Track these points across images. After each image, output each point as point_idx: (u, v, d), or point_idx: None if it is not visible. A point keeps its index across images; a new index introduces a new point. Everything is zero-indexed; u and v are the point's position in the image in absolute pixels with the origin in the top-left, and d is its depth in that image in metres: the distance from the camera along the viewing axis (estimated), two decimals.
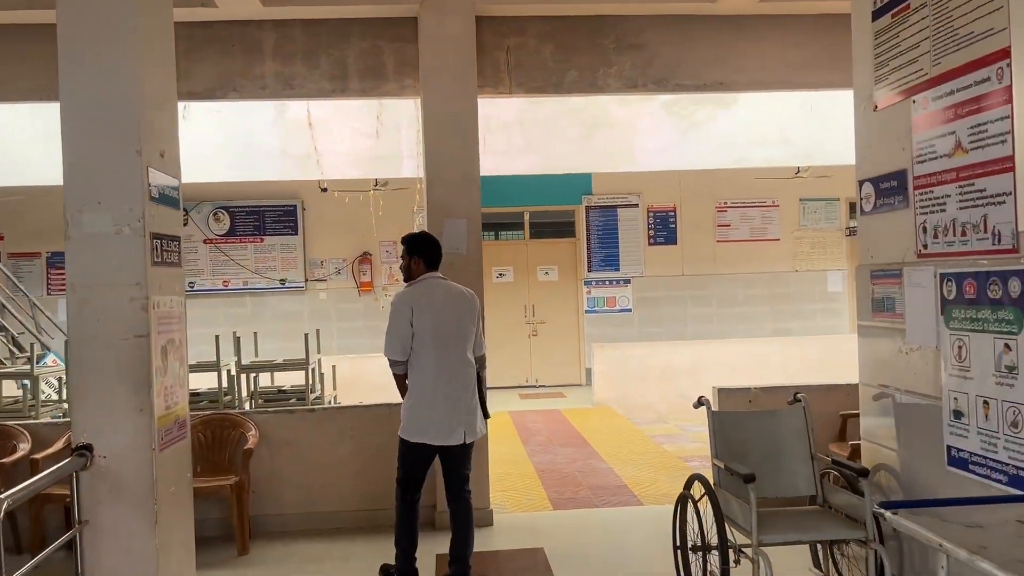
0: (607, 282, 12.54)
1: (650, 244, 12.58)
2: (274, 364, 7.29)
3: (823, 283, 12.71)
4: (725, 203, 12.63)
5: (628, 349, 10.61)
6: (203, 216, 11.93)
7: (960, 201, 3.07)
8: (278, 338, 11.04)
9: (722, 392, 5.84)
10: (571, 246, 12.63)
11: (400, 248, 4.54)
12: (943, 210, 3.18)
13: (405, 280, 4.43)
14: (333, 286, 12.24)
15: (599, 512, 5.85)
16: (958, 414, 3.12)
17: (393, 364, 4.28)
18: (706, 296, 12.62)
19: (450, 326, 4.24)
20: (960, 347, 3.08)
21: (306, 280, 12.15)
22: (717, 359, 10.46)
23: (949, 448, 3.19)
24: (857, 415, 4.15)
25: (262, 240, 12.05)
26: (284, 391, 7.11)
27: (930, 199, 3.27)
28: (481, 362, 4.42)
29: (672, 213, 12.62)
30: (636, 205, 12.57)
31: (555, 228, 12.77)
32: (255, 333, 8.38)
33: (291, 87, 6.01)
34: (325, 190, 11.96)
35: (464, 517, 4.33)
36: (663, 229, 12.60)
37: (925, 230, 3.32)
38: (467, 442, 4.28)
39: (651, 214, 12.59)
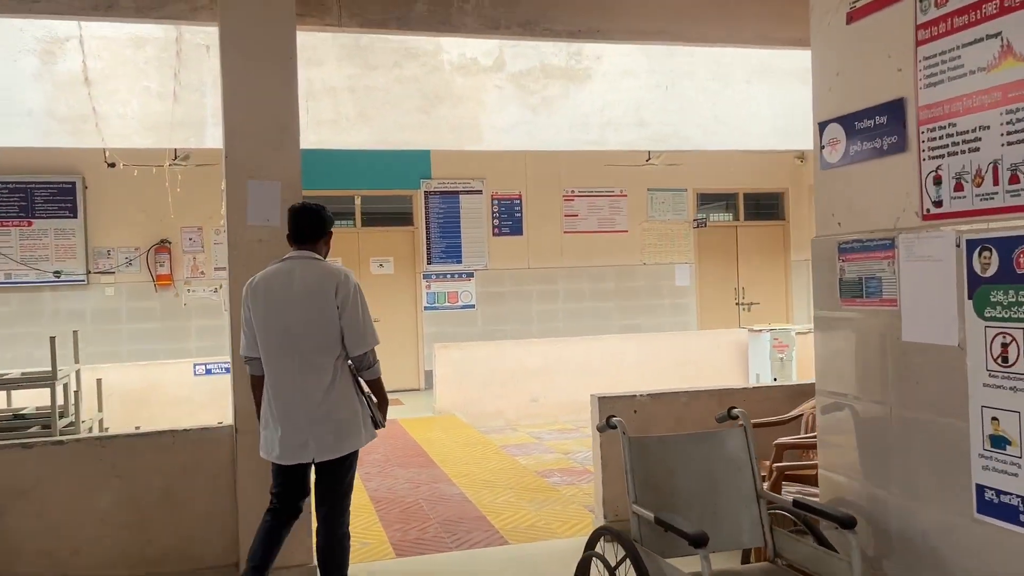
0: (448, 276, 11.37)
1: (495, 235, 11.52)
2: (5, 379, 5.45)
3: (671, 277, 12.17)
4: (572, 191, 11.79)
5: (473, 350, 9.48)
6: None
7: (1008, 134, 2.13)
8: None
9: (603, 401, 4.81)
10: (408, 236, 11.35)
11: None
12: (975, 149, 2.24)
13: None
14: (123, 279, 10.28)
15: (456, 557, 4.64)
16: (1000, 441, 2.18)
17: (247, 362, 3.61)
18: (553, 291, 11.73)
19: (290, 322, 3.45)
20: (1007, 345, 2.14)
21: (88, 272, 10.11)
22: (568, 359, 9.55)
23: (981, 489, 2.26)
24: (803, 439, 3.19)
25: (30, 224, 9.89)
26: (23, 416, 5.34)
27: (950, 136, 2.32)
28: (361, 362, 3.54)
29: (518, 201, 11.62)
30: (480, 192, 11.48)
31: (390, 216, 11.44)
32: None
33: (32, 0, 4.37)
34: (113, 165, 9.99)
35: (325, 557, 3.52)
36: (508, 218, 11.59)
37: (938, 181, 2.37)
38: (320, 460, 3.50)
39: (496, 202, 11.54)
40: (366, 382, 3.59)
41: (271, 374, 3.49)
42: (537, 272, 11.64)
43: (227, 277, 4.26)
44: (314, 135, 8.56)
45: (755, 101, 9.74)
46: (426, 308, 11.29)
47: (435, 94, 8.91)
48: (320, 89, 8.56)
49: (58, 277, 9.95)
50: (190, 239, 10.48)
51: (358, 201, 11.21)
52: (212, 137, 8.18)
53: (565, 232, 11.75)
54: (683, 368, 9.80)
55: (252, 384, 3.64)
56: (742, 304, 12.50)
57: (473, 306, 11.45)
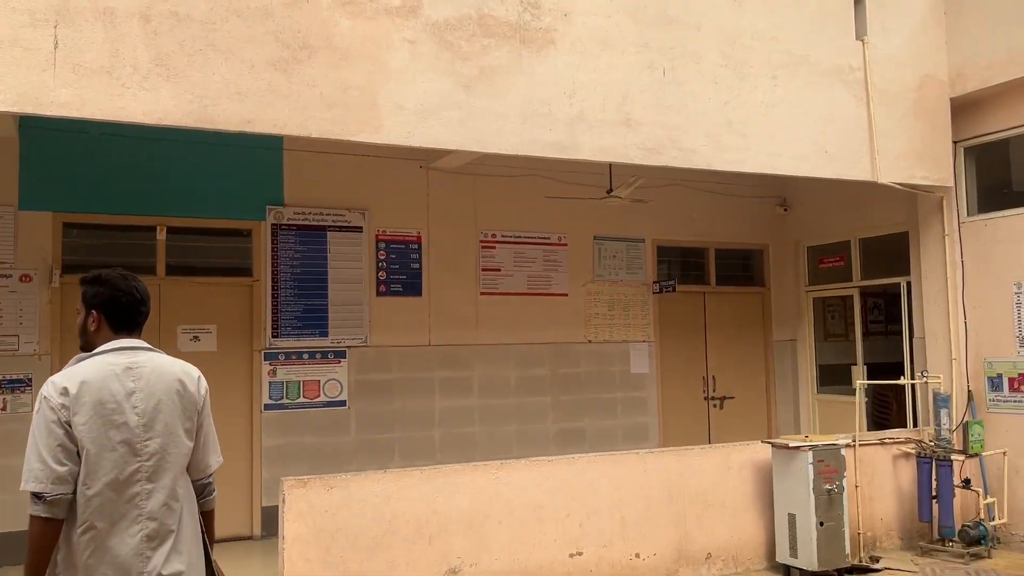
0: (306, 355, 7.35)
1: (380, 294, 7.67)
2: None
3: (624, 361, 8.70)
4: (493, 235, 8.18)
5: (350, 487, 5.46)
6: None
7: None
8: None
9: None
10: (243, 292, 7.28)
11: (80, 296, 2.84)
12: None
13: (82, 348, 2.82)
14: None
15: None
16: None
17: (37, 504, 2.59)
18: (465, 380, 7.94)
19: (154, 436, 2.74)
20: None
21: None
22: (510, 497, 5.77)
23: None
24: None
25: None
26: None
27: None
28: (205, 489, 2.93)
29: (415, 245, 7.85)
30: (359, 228, 7.62)
31: (215, 259, 7.34)
32: None
33: None
34: None
35: None
36: (401, 271, 7.78)
37: None
38: None
39: (383, 244, 7.72)
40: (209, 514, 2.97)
41: (120, 513, 2.67)
42: (442, 352, 7.84)
43: None
44: (68, 90, 4.54)
45: (784, 104, 6.59)
46: (267, 407, 7.19)
47: (302, 41, 5.13)
48: (86, 8, 4.58)
49: None
50: None
51: (161, 235, 7.04)
52: None
53: (483, 293, 8.07)
54: (680, 507, 6.26)
55: (39, 545, 2.60)
56: (712, 399, 9.19)
57: (344, 403, 7.46)
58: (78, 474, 2.64)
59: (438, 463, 7.57)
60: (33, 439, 2.65)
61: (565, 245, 8.44)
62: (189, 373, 2.89)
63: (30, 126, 6.48)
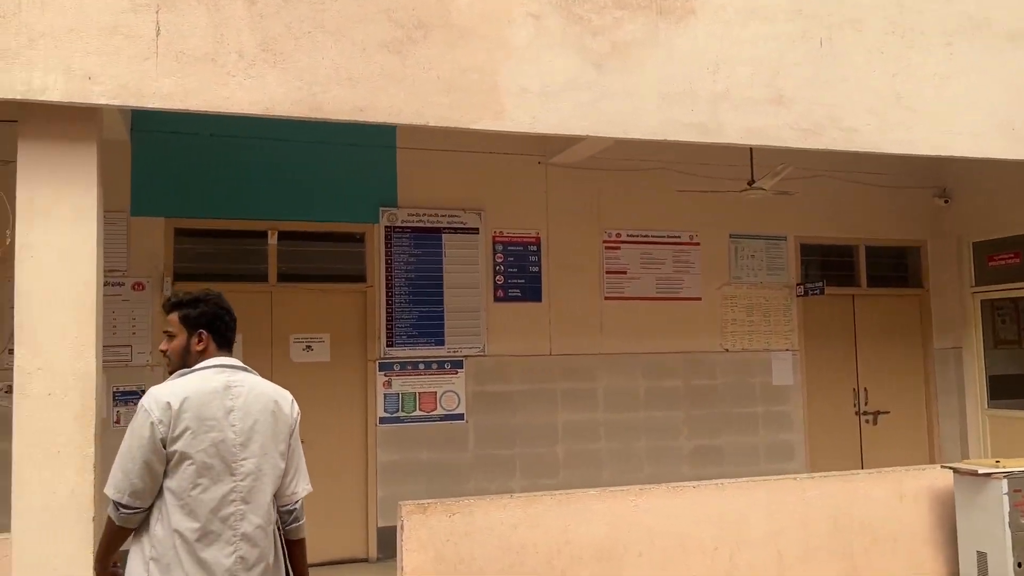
0: (422, 366, 6.90)
1: (498, 299, 7.15)
2: None
3: (764, 372, 7.88)
4: (618, 235, 7.53)
5: (473, 514, 4.93)
6: None
7: None
8: None
9: None
10: (357, 300, 6.90)
11: (172, 319, 2.90)
12: None
13: (171, 371, 2.88)
14: None
15: None
16: None
17: (117, 511, 2.68)
18: (589, 392, 7.32)
19: (249, 457, 2.74)
20: None
21: None
22: (650, 526, 5.12)
23: None
24: None
25: None
26: None
27: None
28: (292, 515, 2.90)
29: (534, 247, 7.30)
30: (475, 230, 7.13)
31: (327, 264, 6.98)
32: None
33: None
34: None
35: None
36: (519, 274, 7.24)
37: None
38: None
39: (500, 247, 7.20)
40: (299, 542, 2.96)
41: (213, 530, 2.68)
42: (564, 361, 7.25)
43: None
44: (171, 80, 4.19)
45: (962, 74, 5.68)
46: (382, 420, 6.77)
47: (416, 19, 4.64)
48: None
49: None
50: None
51: (273, 240, 6.74)
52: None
53: (607, 298, 7.44)
54: (845, 540, 5.45)
55: (109, 541, 2.75)
56: (865, 414, 8.23)
57: (462, 416, 6.96)
58: (159, 488, 2.68)
59: (562, 482, 6.99)
60: (123, 447, 2.70)
61: (697, 244, 7.70)
62: (284, 395, 2.93)
63: (141, 129, 6.28)
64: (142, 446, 2.66)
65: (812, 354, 8.03)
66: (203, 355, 2.87)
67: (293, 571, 2.94)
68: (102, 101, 4.14)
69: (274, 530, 2.84)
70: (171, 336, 2.92)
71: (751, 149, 6.65)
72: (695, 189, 7.25)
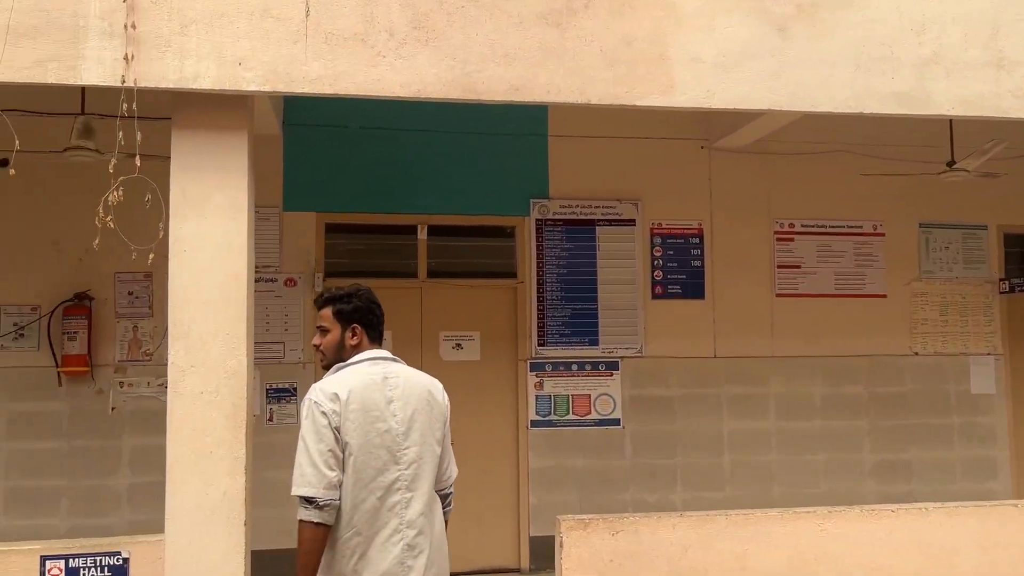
0: (575, 367, 6.49)
1: (656, 296, 6.64)
2: None
3: (961, 379, 6.96)
4: (791, 225, 6.85)
5: (645, 531, 4.45)
6: None
7: None
8: None
9: None
10: (507, 296, 6.58)
11: (325, 314, 2.94)
12: None
13: (325, 365, 2.93)
14: (6, 362, 5.81)
15: None
16: None
17: (308, 509, 2.64)
18: (759, 398, 6.68)
19: (411, 445, 2.80)
20: None
21: None
22: (838, 555, 4.48)
23: None
24: None
25: None
26: None
27: None
28: (447, 499, 2.98)
29: (696, 238, 6.74)
30: (631, 222, 6.65)
31: (477, 259, 6.70)
32: None
33: None
34: (4, 163, 5.64)
35: None
36: (680, 269, 6.70)
37: None
38: None
39: (658, 240, 6.69)
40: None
41: (384, 517, 2.74)
42: (730, 364, 6.65)
43: None
44: (320, 63, 3.97)
45: None
46: (534, 423, 6.41)
47: None
48: None
49: None
50: (129, 293, 5.98)
51: (422, 234, 6.51)
52: (103, 54, 3.73)
53: (779, 295, 6.77)
54: None
55: (309, 551, 2.65)
56: None
57: (617, 422, 6.50)
58: (345, 481, 2.70)
59: (728, 497, 6.41)
60: (303, 444, 2.70)
61: (882, 235, 6.90)
62: (436, 384, 3.00)
63: (293, 123, 6.20)
64: (323, 436, 2.68)
65: (1019, 359, 7.03)
66: (357, 349, 2.91)
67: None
68: (252, 88, 3.97)
69: (439, 516, 2.90)
70: (324, 331, 2.95)
71: (951, 124, 5.84)
72: (883, 173, 6.46)
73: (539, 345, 6.43)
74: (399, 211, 6.39)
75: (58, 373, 5.78)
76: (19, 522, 5.66)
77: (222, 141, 4.11)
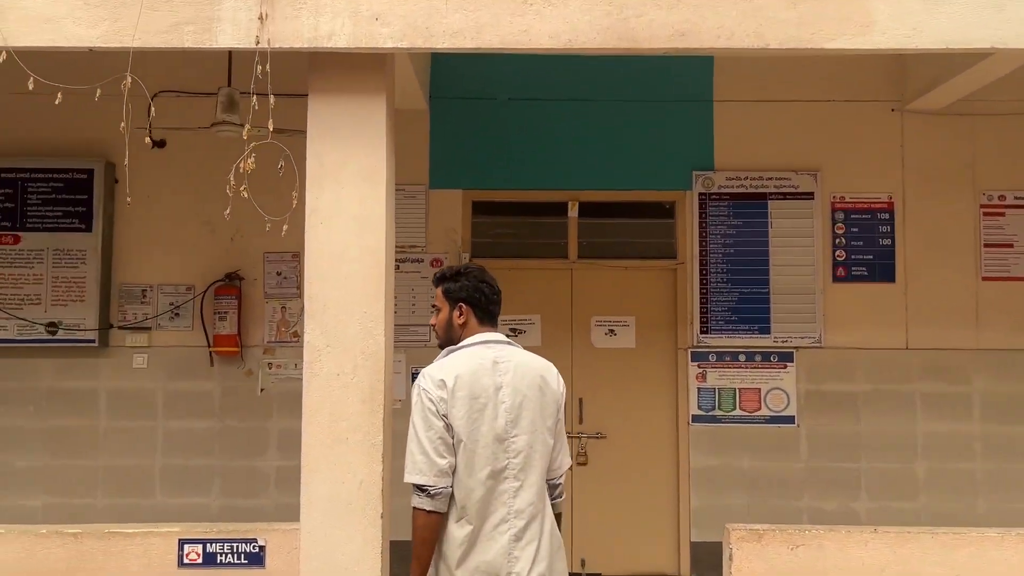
0: (742, 356, 5.86)
1: (837, 279, 5.88)
2: None
3: None
4: (1001, 197, 5.89)
5: (831, 547, 3.81)
6: None
7: None
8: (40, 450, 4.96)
9: None
10: (665, 277, 6.03)
11: (437, 292, 3.00)
12: None
13: (439, 345, 2.98)
14: (165, 340, 5.88)
15: None
16: None
17: (421, 497, 2.69)
18: (960, 397, 5.79)
19: (520, 433, 2.76)
20: None
21: (105, 328, 5.81)
22: None
23: None
24: None
25: (16, 240, 5.81)
26: None
27: None
28: (556, 490, 2.91)
29: (885, 213, 5.92)
30: (808, 195, 5.93)
31: (633, 237, 6.17)
32: None
33: None
34: (162, 144, 5.73)
35: None
36: (865, 248, 5.90)
37: None
38: None
39: (840, 214, 5.93)
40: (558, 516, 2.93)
41: (493, 507, 2.71)
42: (926, 357, 5.79)
43: None
44: (461, 15, 3.62)
45: None
46: (696, 418, 5.83)
47: None
48: None
49: (53, 334, 5.72)
50: (277, 273, 5.91)
51: (573, 212, 6.07)
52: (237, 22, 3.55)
53: (985, 278, 5.84)
54: None
55: (424, 539, 2.69)
56: None
57: (792, 419, 5.81)
58: (455, 468, 2.70)
59: (922, 509, 5.62)
60: (414, 431, 2.73)
61: None
62: (550, 369, 2.91)
63: (439, 96, 5.92)
64: (432, 424, 2.68)
65: None
66: (464, 328, 2.88)
67: None
68: (390, 44, 3.66)
69: (548, 507, 2.83)
70: (437, 310, 2.97)
71: None
72: None
73: (702, 333, 5.84)
74: (548, 187, 5.99)
75: (210, 353, 5.78)
76: (174, 500, 5.71)
77: (360, 106, 3.83)
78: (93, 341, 5.71)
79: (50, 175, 5.75)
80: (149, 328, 5.84)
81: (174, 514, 5.65)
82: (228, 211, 3.53)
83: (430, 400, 2.69)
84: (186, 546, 3.76)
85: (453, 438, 2.69)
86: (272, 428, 5.81)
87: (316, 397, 3.73)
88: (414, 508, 2.71)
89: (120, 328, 5.82)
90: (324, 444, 3.70)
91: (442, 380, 2.71)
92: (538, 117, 5.96)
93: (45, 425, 5.73)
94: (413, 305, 5.88)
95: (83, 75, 3.60)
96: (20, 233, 5.75)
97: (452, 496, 2.69)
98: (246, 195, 3.53)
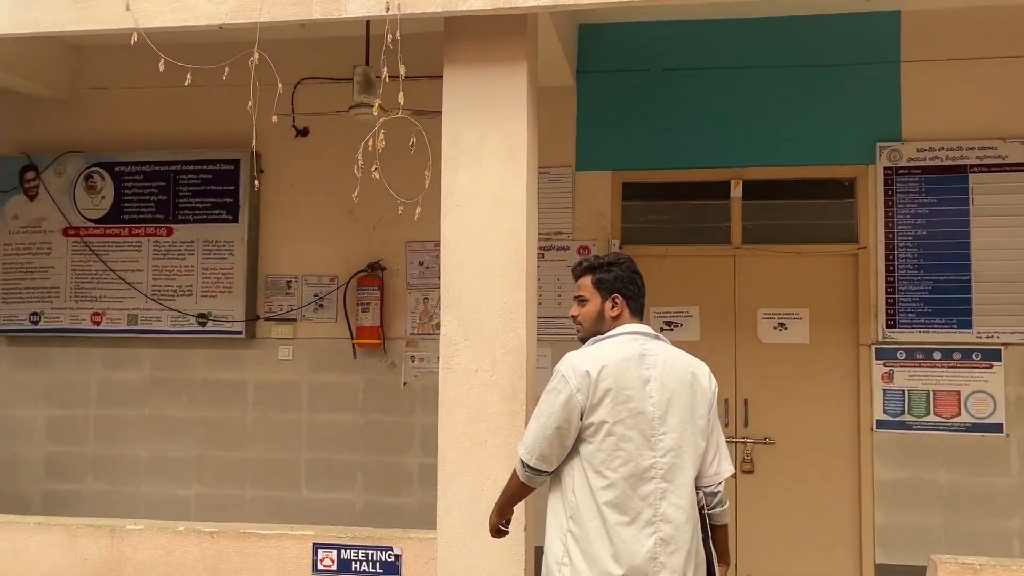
0: (937, 354, 5.08)
1: None
2: None
3: None
4: None
5: None
6: (68, 180, 5.96)
7: None
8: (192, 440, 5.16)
9: None
10: (843, 265, 5.32)
11: (584, 283, 2.84)
12: None
13: (582, 338, 2.83)
14: (309, 331, 5.79)
15: None
16: None
17: (523, 468, 2.70)
18: None
19: (668, 431, 2.61)
20: None
21: (252, 319, 5.79)
22: None
23: None
24: None
25: (169, 232, 5.88)
26: None
27: None
28: (716, 498, 2.73)
29: None
30: (1019, 166, 5.07)
31: (805, 220, 5.49)
32: None
33: None
34: (304, 132, 5.66)
35: None
36: None
37: None
38: None
39: None
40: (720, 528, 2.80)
41: (633, 509, 2.56)
42: None
43: None
44: None
45: None
46: (881, 424, 5.11)
47: None
48: None
49: (204, 325, 5.76)
50: (420, 263, 5.69)
51: (736, 192, 5.47)
52: None
53: None
54: None
55: (512, 493, 2.81)
56: None
57: (999, 427, 4.99)
58: (575, 455, 2.62)
59: None
60: (538, 410, 2.65)
61: None
62: (700, 366, 2.78)
63: (586, 71, 5.49)
64: (556, 413, 2.60)
65: None
66: (616, 321, 2.76)
67: (716, 557, 2.74)
68: (530, 2, 3.27)
69: (698, 513, 2.68)
70: (583, 301, 2.83)
71: None
72: None
73: (888, 327, 5.11)
74: (708, 166, 5.42)
75: (352, 345, 5.64)
76: (319, 495, 5.61)
77: (499, 77, 3.48)
78: (240, 332, 5.69)
79: (199, 167, 5.78)
80: (294, 320, 5.76)
81: (319, 509, 5.55)
82: (356, 193, 3.26)
83: (568, 391, 2.59)
84: (320, 551, 3.55)
85: (587, 430, 2.59)
86: (415, 424, 5.60)
87: (453, 395, 3.42)
88: (515, 469, 2.75)
89: (266, 319, 5.78)
90: (462, 447, 3.39)
91: (586, 372, 2.58)
92: (696, 88, 5.42)
93: (196, 415, 5.78)
94: (559, 296, 5.49)
95: (219, 66, 3.42)
96: (173, 225, 5.81)
97: (588, 489, 2.58)
98: (377, 176, 3.24)
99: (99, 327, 5.84)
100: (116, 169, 5.87)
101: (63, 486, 5.86)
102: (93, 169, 5.89)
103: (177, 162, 5.81)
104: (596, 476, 2.57)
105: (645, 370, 2.63)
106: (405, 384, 5.62)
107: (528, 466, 2.67)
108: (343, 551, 3.54)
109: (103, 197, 5.88)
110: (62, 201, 5.89)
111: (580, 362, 2.62)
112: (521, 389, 3.37)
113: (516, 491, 2.80)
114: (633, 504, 2.56)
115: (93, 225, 5.89)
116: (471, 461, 3.36)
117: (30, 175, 5.93)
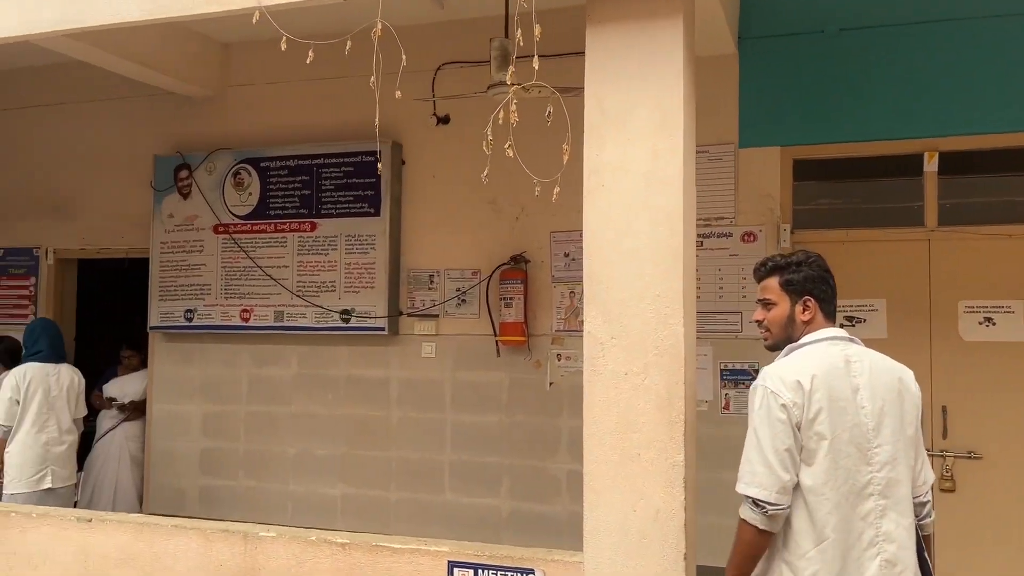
0: None
1: None
2: None
3: None
4: None
5: None
6: (217, 177, 6.00)
7: None
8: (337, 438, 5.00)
9: None
10: None
11: (770, 284, 2.65)
12: None
13: (771, 346, 2.66)
14: (451, 329, 5.53)
15: None
16: None
17: (755, 512, 2.38)
18: None
19: (883, 443, 2.42)
20: None
21: (395, 315, 5.59)
22: None
23: None
24: None
25: (313, 227, 5.78)
26: None
27: None
28: (925, 508, 2.56)
29: None
30: None
31: (1016, 198, 4.66)
32: None
33: None
34: (445, 120, 5.42)
35: None
36: None
37: None
38: None
39: None
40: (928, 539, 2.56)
41: (851, 527, 2.37)
42: None
43: None
44: None
45: None
46: None
47: None
48: None
49: (347, 321, 5.62)
50: (565, 254, 5.30)
51: (930, 165, 4.71)
52: None
53: None
54: None
55: (745, 554, 2.41)
56: None
57: None
58: (810, 483, 2.38)
59: None
60: (755, 439, 2.42)
61: None
62: (905, 370, 2.56)
63: (750, 36, 4.92)
64: (779, 432, 2.38)
65: None
66: (809, 325, 2.58)
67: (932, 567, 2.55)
68: None
69: (915, 528, 2.49)
70: (769, 304, 2.63)
71: None
72: None
73: None
74: (895, 137, 4.71)
75: (496, 342, 5.33)
76: (463, 499, 5.35)
77: (651, 35, 3.03)
78: (383, 329, 5.51)
79: (341, 159, 5.65)
80: (436, 315, 5.53)
81: (464, 514, 5.29)
82: (486, 173, 2.90)
83: (781, 406, 2.37)
84: (456, 570, 3.23)
85: (806, 449, 2.37)
86: (563, 426, 5.22)
87: (599, 401, 3.00)
88: (743, 521, 2.41)
89: (408, 315, 5.58)
90: (610, 460, 2.97)
91: (797, 381, 2.38)
92: (878, 49, 4.71)
93: (341, 413, 5.66)
94: (720, 288, 4.95)
95: (356, 58, 3.13)
96: (316, 220, 5.72)
97: (807, 514, 2.36)
98: (511, 153, 2.88)
99: (247, 323, 5.84)
100: (262, 164, 5.84)
101: (217, 481, 5.91)
102: (240, 165, 5.90)
103: (319, 155, 5.70)
104: (812, 496, 2.37)
105: (853, 378, 2.45)
106: (552, 384, 5.25)
107: (766, 505, 2.36)
108: (480, 571, 3.21)
109: (250, 193, 5.88)
110: (212, 198, 5.94)
111: (787, 373, 2.43)
112: (679, 396, 2.91)
113: (753, 547, 2.41)
114: (854, 525, 2.38)
115: (241, 221, 5.89)
116: (621, 477, 2.94)
117: (183, 173, 6.02)
